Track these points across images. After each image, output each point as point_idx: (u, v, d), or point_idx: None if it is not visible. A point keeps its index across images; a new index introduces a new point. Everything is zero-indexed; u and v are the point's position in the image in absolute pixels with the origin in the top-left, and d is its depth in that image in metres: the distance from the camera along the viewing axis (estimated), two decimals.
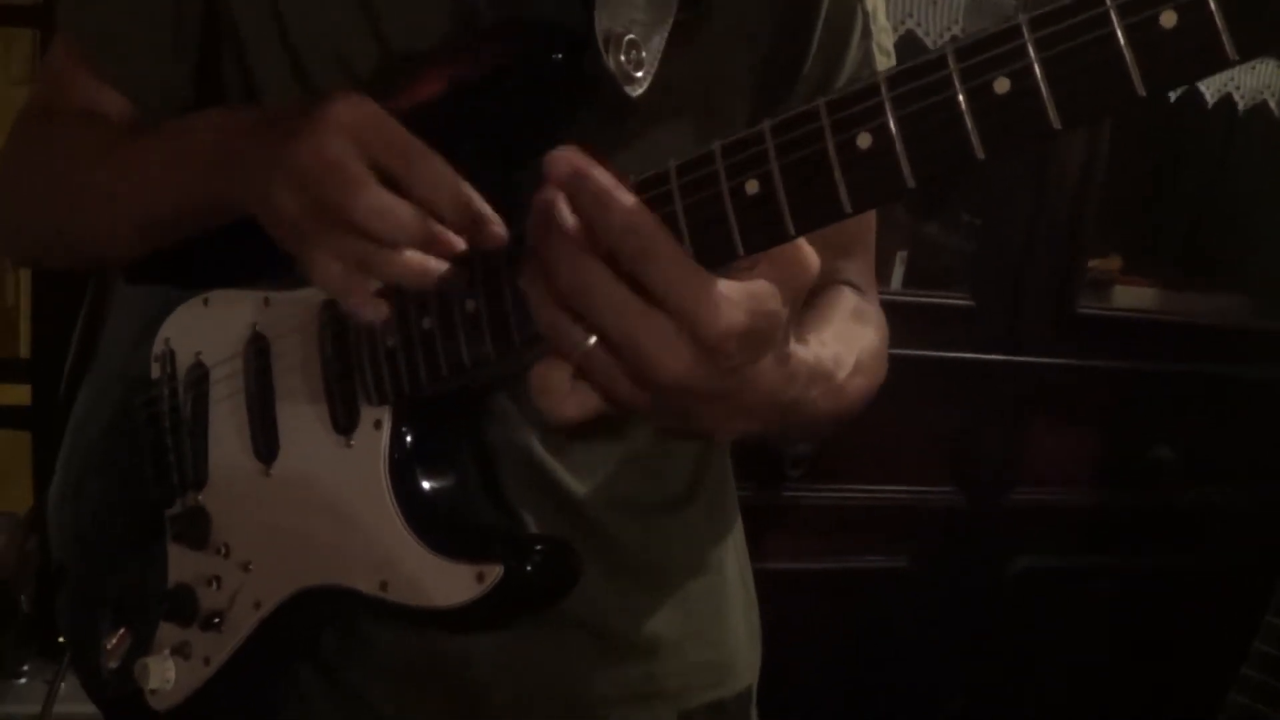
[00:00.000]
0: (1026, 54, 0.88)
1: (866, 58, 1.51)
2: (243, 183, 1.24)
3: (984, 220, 3.43)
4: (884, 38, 1.54)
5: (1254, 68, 3.70)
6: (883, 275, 3.32)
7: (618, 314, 0.95)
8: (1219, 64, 0.84)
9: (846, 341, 1.17)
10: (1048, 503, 3.54)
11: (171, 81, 1.48)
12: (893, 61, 1.55)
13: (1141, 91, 0.85)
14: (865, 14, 1.50)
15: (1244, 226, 4.07)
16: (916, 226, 3.53)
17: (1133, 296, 3.77)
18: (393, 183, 1.13)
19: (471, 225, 1.12)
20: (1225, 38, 0.82)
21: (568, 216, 0.96)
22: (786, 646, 3.16)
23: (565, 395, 1.02)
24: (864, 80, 0.95)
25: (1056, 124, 0.88)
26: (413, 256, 1.13)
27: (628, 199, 0.95)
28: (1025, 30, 0.88)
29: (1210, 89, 3.63)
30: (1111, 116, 0.97)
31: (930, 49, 3.11)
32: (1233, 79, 3.67)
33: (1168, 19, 0.83)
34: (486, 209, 1.12)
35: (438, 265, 1.14)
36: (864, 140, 0.94)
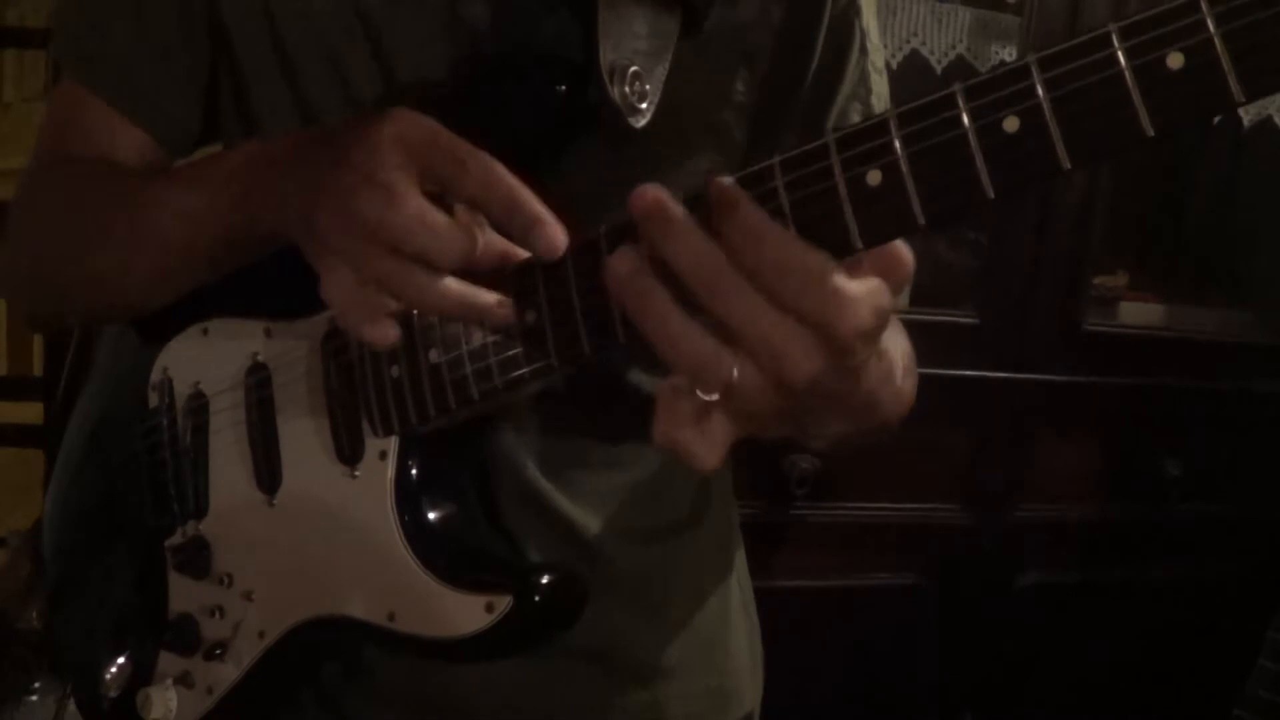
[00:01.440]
0: (1035, 93, 0.88)
1: (864, 76, 1.52)
2: (286, 202, 1.22)
3: (989, 237, 3.43)
4: (877, 56, 1.55)
5: None
6: (898, 294, 3.31)
7: (763, 326, 0.94)
8: (1226, 105, 0.84)
9: (894, 347, 1.17)
10: (1055, 518, 3.54)
11: (186, 112, 1.47)
12: (885, 80, 1.56)
13: (1150, 132, 0.86)
14: (862, 31, 1.51)
15: (1250, 242, 4.07)
16: (923, 244, 3.52)
17: (1139, 313, 3.76)
18: (445, 190, 1.12)
19: (528, 229, 1.10)
20: (1231, 79, 0.83)
21: (688, 217, 0.95)
22: (795, 664, 3.16)
23: (699, 440, 1.00)
24: (874, 117, 0.95)
25: (1066, 163, 0.89)
26: (446, 283, 1.11)
27: (764, 213, 0.94)
28: (1034, 70, 0.88)
29: None
30: (1121, 156, 0.96)
31: (935, 67, 3.13)
32: None
33: (1174, 60, 0.84)
34: (545, 211, 1.10)
35: (472, 293, 1.13)
36: (874, 177, 0.94)
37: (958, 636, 3.48)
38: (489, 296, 1.12)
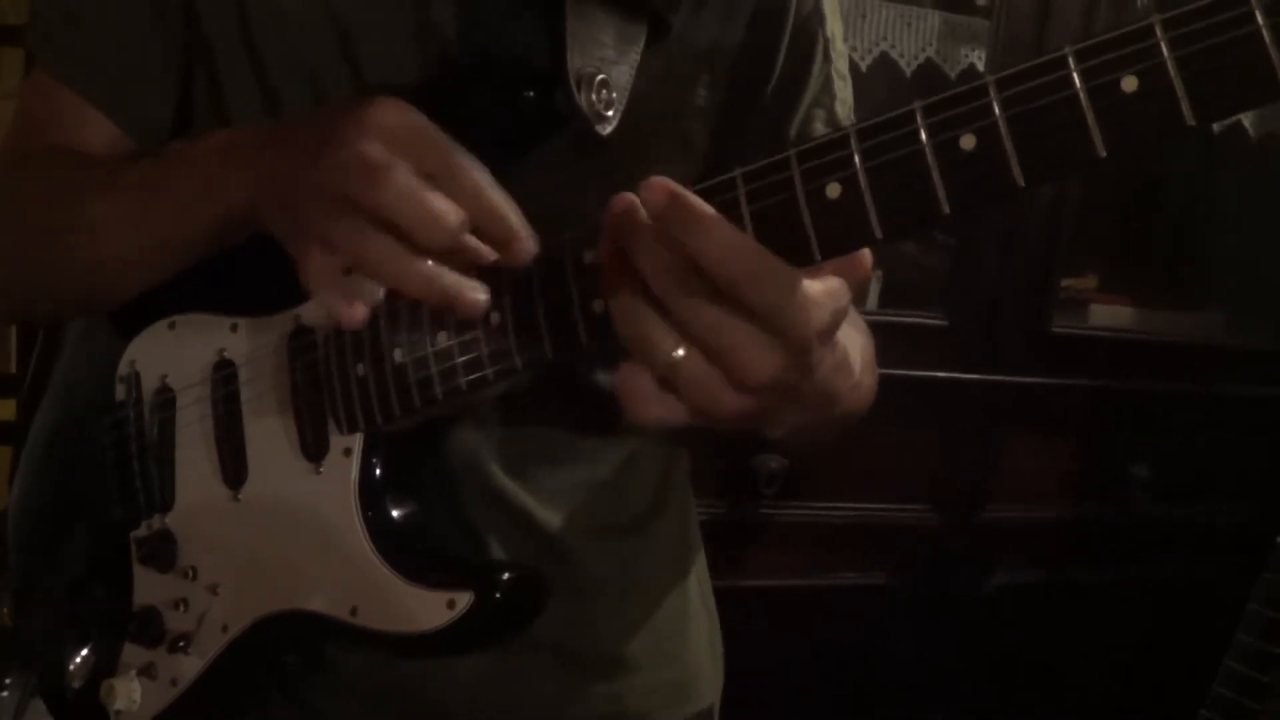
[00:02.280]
0: (992, 112, 0.90)
1: (828, 82, 1.54)
2: (264, 184, 1.21)
3: (959, 240, 3.44)
4: (841, 62, 1.57)
5: None
6: (859, 295, 3.32)
7: (715, 325, 0.96)
8: (1178, 129, 0.85)
9: (850, 340, 1.19)
10: (1024, 519, 3.55)
11: (160, 109, 1.47)
12: (849, 86, 1.58)
13: (1102, 153, 0.87)
14: (826, 39, 1.53)
15: (1220, 245, 4.09)
16: (892, 246, 3.53)
17: (1109, 315, 3.77)
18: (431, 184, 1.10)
19: (505, 237, 1.10)
20: (1184, 103, 0.84)
21: (652, 226, 0.97)
22: (763, 664, 3.17)
23: (651, 399, 1.01)
24: (834, 132, 0.97)
25: (1021, 182, 0.90)
26: (429, 265, 1.10)
27: (721, 219, 0.96)
28: (992, 89, 0.90)
29: None
30: (1075, 175, 0.98)
31: (904, 70, 3.14)
32: None
33: (1129, 84, 0.85)
34: (522, 225, 1.10)
35: (456, 280, 1.11)
36: (833, 190, 0.95)
37: (927, 637, 3.49)
38: (466, 282, 1.11)
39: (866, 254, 1.01)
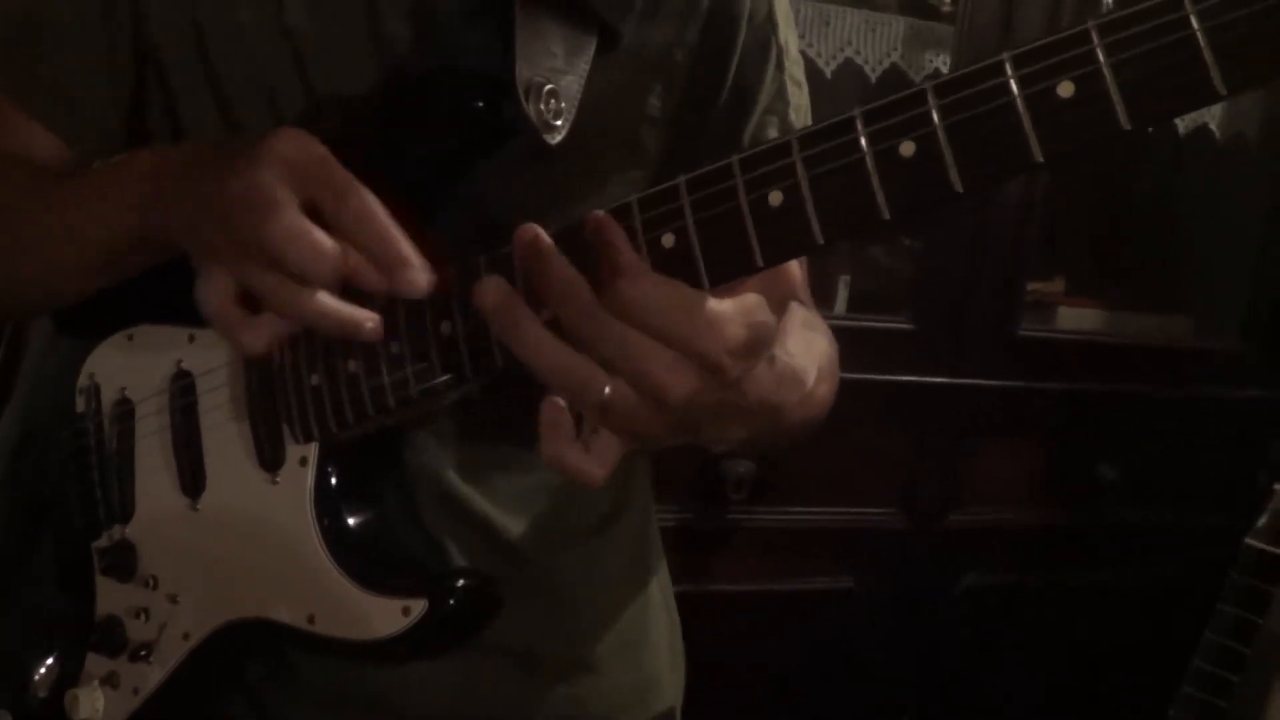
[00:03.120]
0: (931, 120, 0.91)
1: (781, 90, 1.54)
2: (177, 215, 1.24)
3: (925, 244, 3.44)
4: (796, 70, 1.57)
5: None
6: (826, 300, 3.35)
7: (632, 357, 0.98)
8: (1113, 133, 0.87)
9: (807, 350, 1.19)
10: (992, 522, 3.55)
11: (106, 123, 1.47)
12: (805, 92, 1.58)
13: (1039, 158, 0.88)
14: (779, 47, 1.53)
15: (1187, 247, 4.10)
16: (860, 251, 3.54)
17: (1077, 318, 3.78)
18: (322, 218, 1.13)
19: (393, 267, 1.12)
20: (1119, 108, 0.85)
21: (562, 260, 1.00)
22: (732, 668, 3.18)
23: (585, 458, 1.05)
24: (776, 139, 0.98)
25: (959, 187, 0.91)
26: (319, 298, 1.14)
27: (630, 254, 0.99)
28: (930, 96, 0.91)
29: None
30: (1012, 180, 0.99)
31: (869, 76, 3.14)
32: None
33: (1065, 89, 0.86)
34: (412, 253, 1.12)
35: (346, 311, 1.16)
36: (775, 198, 0.96)
37: (895, 641, 3.50)
38: (360, 313, 1.16)
39: (791, 265, 1.02)
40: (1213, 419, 3.71)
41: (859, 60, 3.25)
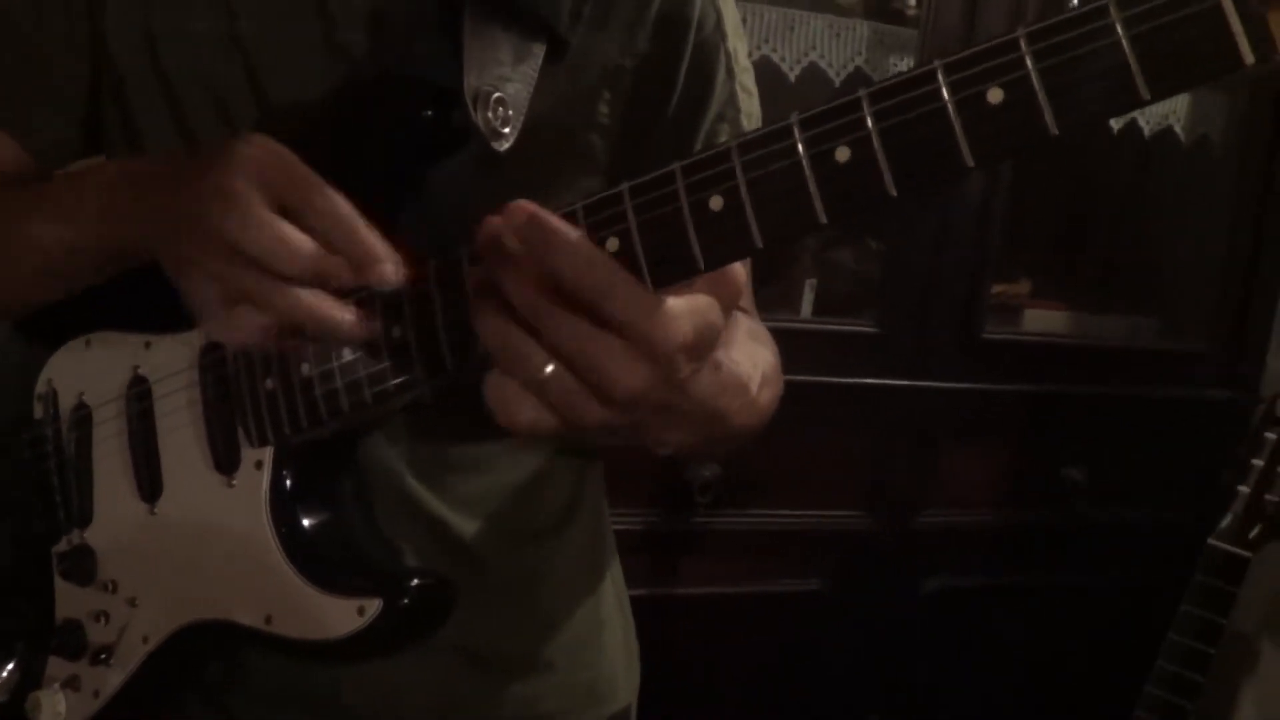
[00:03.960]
0: (865, 125, 0.92)
1: (732, 97, 1.55)
2: (147, 226, 1.26)
3: (888, 246, 3.44)
4: (745, 77, 1.58)
5: None
6: (792, 304, 3.35)
7: (578, 340, 0.99)
8: (1042, 139, 0.88)
9: (751, 359, 1.21)
10: (958, 524, 3.55)
11: (63, 129, 1.49)
12: (756, 100, 1.59)
13: (970, 163, 0.90)
14: (729, 54, 1.54)
15: (1152, 249, 4.11)
16: (825, 254, 3.55)
17: (1043, 320, 3.78)
18: (292, 219, 1.15)
19: (363, 262, 1.13)
20: (1047, 114, 0.87)
21: (516, 246, 1.00)
22: (698, 671, 3.19)
23: (518, 404, 1.04)
24: (717, 146, 0.99)
25: (893, 191, 0.93)
26: (296, 293, 1.15)
27: (582, 238, 0.99)
28: (864, 104, 0.93)
29: None
30: (944, 186, 1.01)
31: (833, 80, 3.15)
32: None
33: (994, 95, 0.88)
34: (381, 248, 1.13)
35: (324, 305, 1.16)
36: (716, 202, 0.98)
37: (863, 643, 3.50)
38: (342, 310, 1.16)
39: (738, 270, 1.03)
40: (1178, 420, 3.72)
41: (823, 65, 3.25)
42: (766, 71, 3.16)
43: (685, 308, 1.00)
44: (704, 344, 1.02)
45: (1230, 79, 3.32)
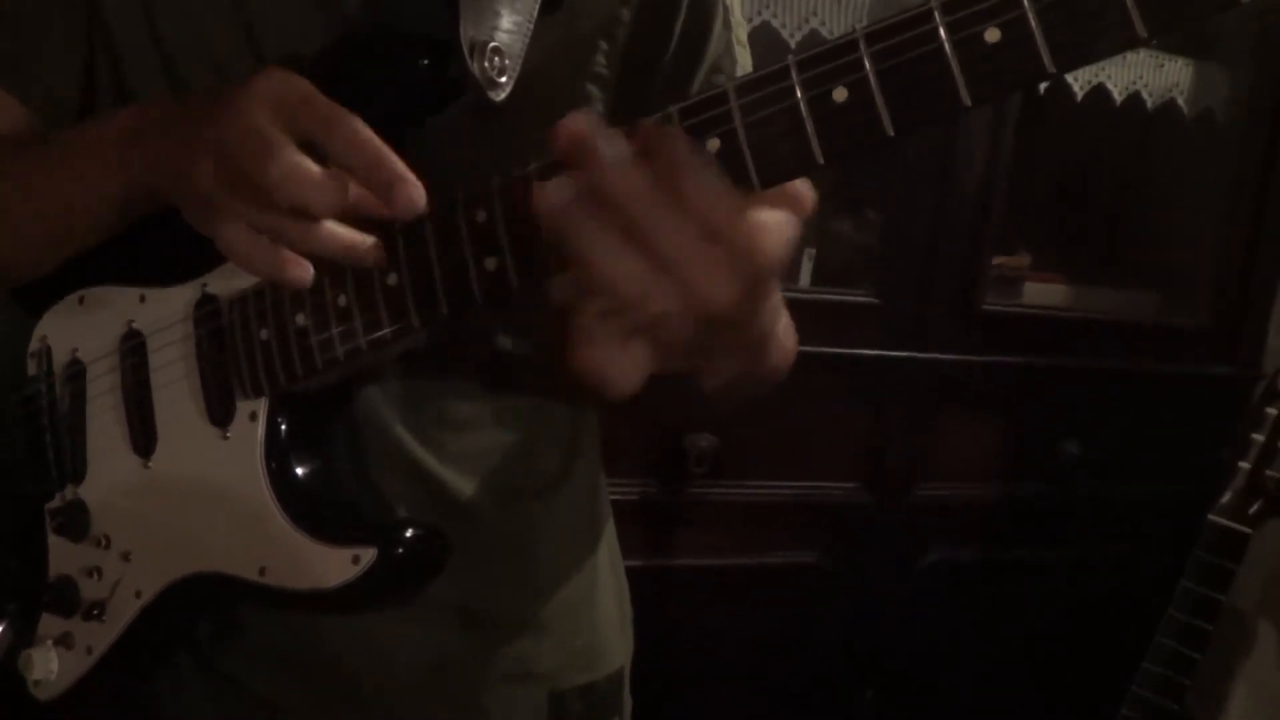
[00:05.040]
0: (863, 66, 0.92)
1: (728, 49, 1.55)
2: (164, 163, 1.24)
3: (886, 217, 3.44)
4: (740, 31, 1.58)
5: (1161, 65, 3.72)
6: (790, 273, 3.34)
7: (682, 239, 0.94)
8: (1038, 76, 0.88)
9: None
10: (956, 497, 3.56)
11: (64, 88, 1.47)
12: (749, 54, 1.59)
13: (967, 102, 0.90)
14: (725, 7, 1.54)
15: (1154, 222, 4.10)
16: (825, 224, 3.54)
17: (1043, 293, 3.76)
18: (315, 151, 1.14)
19: (390, 188, 1.12)
20: (1044, 53, 0.86)
21: (623, 143, 0.95)
22: (695, 642, 3.19)
23: (621, 362, 1.00)
24: (713, 89, 0.99)
25: (890, 130, 0.93)
26: (328, 228, 1.15)
27: (695, 148, 0.96)
28: (862, 44, 0.92)
29: (1118, 87, 3.65)
30: (943, 123, 1.00)
31: (787, 41, 3.13)
32: (1140, 77, 3.69)
33: (991, 35, 0.88)
34: (406, 171, 1.12)
35: (354, 236, 1.17)
36: (713, 145, 0.98)
37: (858, 616, 3.50)
38: (359, 237, 1.17)
39: (808, 191, 1.02)
40: (1177, 395, 3.73)
41: (824, 31, 3.23)
42: (767, 37, 3.15)
43: (778, 220, 0.98)
44: (786, 259, 1.00)
45: (1234, 51, 3.33)
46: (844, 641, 3.51)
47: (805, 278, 3.39)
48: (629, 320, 0.98)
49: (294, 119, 1.13)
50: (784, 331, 1.25)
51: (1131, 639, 3.01)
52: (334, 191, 1.12)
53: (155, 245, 1.34)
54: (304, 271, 1.18)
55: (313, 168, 1.12)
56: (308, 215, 1.14)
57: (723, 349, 1.07)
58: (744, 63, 1.57)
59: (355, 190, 1.14)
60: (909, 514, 3.52)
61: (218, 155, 1.15)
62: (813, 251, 3.39)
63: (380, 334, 1.21)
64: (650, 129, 0.98)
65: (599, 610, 1.67)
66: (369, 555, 1.26)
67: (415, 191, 1.12)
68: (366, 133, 1.13)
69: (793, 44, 3.20)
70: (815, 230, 3.47)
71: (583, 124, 0.96)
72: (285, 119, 1.13)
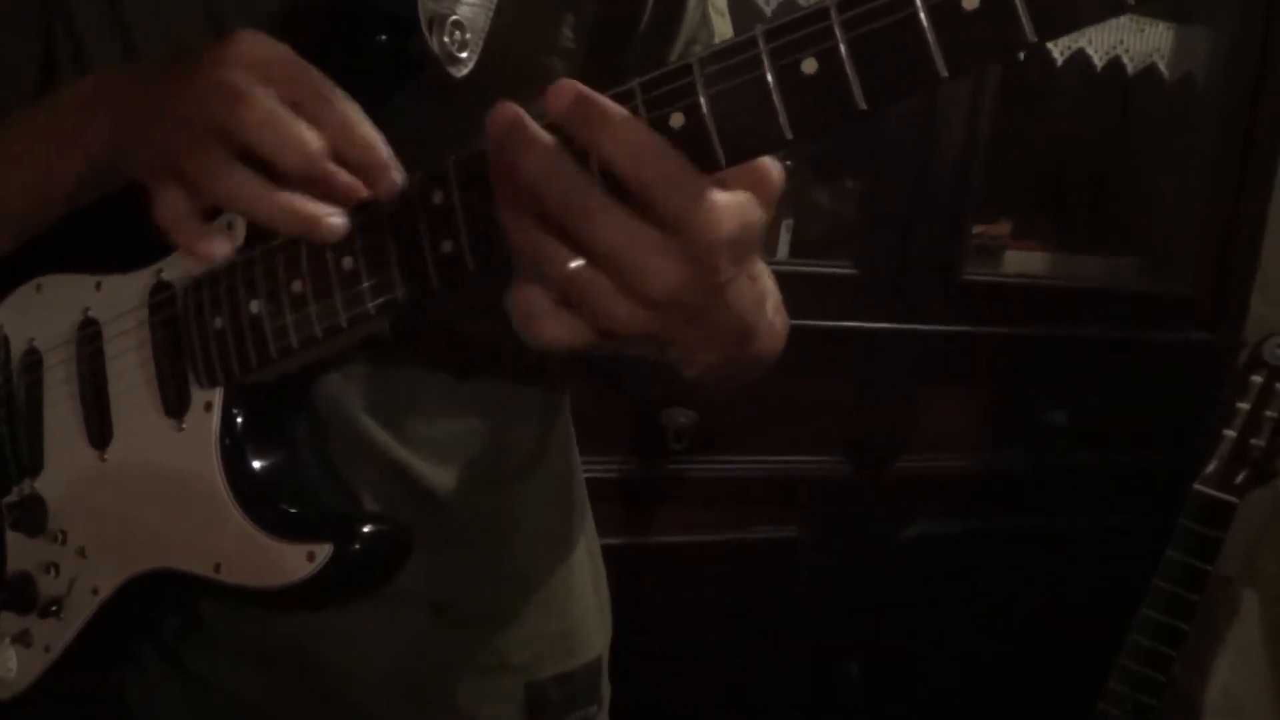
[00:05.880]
0: (833, 35, 0.88)
1: (705, 19, 1.52)
2: (125, 134, 1.21)
3: (867, 187, 3.42)
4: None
5: (1142, 30, 3.71)
6: (768, 245, 3.32)
7: (611, 228, 0.92)
8: (1019, 45, 0.85)
9: (765, 274, 1.18)
10: (939, 469, 3.55)
11: (21, 72, 1.43)
12: (728, 21, 1.57)
13: (944, 72, 0.86)
14: None
15: (1136, 189, 4.09)
16: (803, 194, 3.52)
17: (1024, 261, 3.76)
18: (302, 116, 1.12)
19: (374, 169, 1.10)
20: (1025, 20, 0.83)
21: (545, 135, 0.94)
22: (675, 620, 3.17)
23: (547, 316, 0.97)
24: (678, 62, 0.95)
25: (862, 104, 0.89)
26: (297, 197, 1.12)
27: (634, 120, 0.94)
28: (833, 12, 0.89)
29: (1098, 52, 3.64)
30: (916, 95, 0.97)
31: (763, 10, 3.11)
32: (1121, 42, 3.68)
33: (970, 2, 0.84)
34: (391, 156, 1.11)
35: (319, 208, 1.13)
36: (676, 120, 0.94)
37: (842, 589, 3.49)
38: (324, 208, 1.13)
39: (775, 166, 0.99)
40: (1160, 363, 3.72)
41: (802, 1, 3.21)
42: (743, 6, 3.11)
43: (732, 200, 0.94)
44: (744, 244, 0.96)
45: (1215, 14, 3.31)
46: (826, 616, 3.50)
47: (784, 249, 3.38)
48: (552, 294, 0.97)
49: (281, 83, 1.11)
50: (773, 311, 1.21)
51: (1116, 609, 3.00)
52: (311, 146, 1.10)
53: (113, 230, 1.31)
54: (213, 249, 1.17)
55: (294, 118, 1.10)
56: (273, 163, 1.10)
57: (690, 337, 1.03)
58: (724, 31, 1.54)
59: (330, 157, 1.12)
60: (891, 487, 3.51)
61: (185, 110, 1.12)
62: (790, 223, 3.38)
63: (335, 321, 1.18)
64: (593, 102, 0.94)
65: (576, 598, 1.64)
66: (324, 551, 1.24)
67: (399, 179, 1.10)
68: (357, 111, 1.12)
69: (768, 12, 3.17)
70: (793, 201, 3.45)
71: (510, 114, 0.96)
72: (270, 80, 1.11)
